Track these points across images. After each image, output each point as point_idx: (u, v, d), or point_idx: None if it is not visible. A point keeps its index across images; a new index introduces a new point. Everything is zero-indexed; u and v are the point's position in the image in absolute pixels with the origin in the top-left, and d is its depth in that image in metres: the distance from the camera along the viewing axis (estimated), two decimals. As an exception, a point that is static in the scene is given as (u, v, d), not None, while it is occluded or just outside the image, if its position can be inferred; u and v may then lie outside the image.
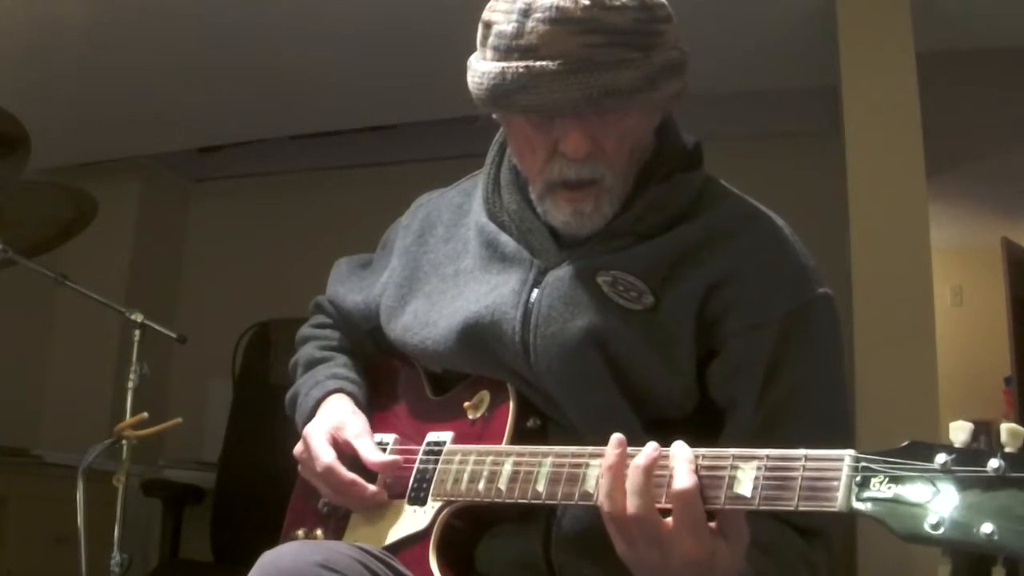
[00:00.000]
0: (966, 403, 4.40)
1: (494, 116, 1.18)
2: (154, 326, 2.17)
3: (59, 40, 2.99)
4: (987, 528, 0.74)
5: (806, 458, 0.86)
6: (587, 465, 0.99)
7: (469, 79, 1.13)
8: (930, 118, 2.52)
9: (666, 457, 0.92)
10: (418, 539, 1.11)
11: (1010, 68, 3.15)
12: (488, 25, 1.10)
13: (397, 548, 1.12)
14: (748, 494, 0.88)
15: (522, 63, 1.05)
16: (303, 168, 4.21)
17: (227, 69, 3.22)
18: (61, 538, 2.44)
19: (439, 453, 1.15)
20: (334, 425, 1.23)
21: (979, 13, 2.73)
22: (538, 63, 1.04)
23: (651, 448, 0.93)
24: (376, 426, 1.26)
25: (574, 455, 1.01)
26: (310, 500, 1.29)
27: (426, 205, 1.37)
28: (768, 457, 0.88)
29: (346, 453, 1.20)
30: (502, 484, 1.05)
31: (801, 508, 0.85)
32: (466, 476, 1.10)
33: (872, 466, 0.82)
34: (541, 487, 1.02)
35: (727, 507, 0.89)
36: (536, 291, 1.16)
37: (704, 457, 0.92)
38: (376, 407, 1.31)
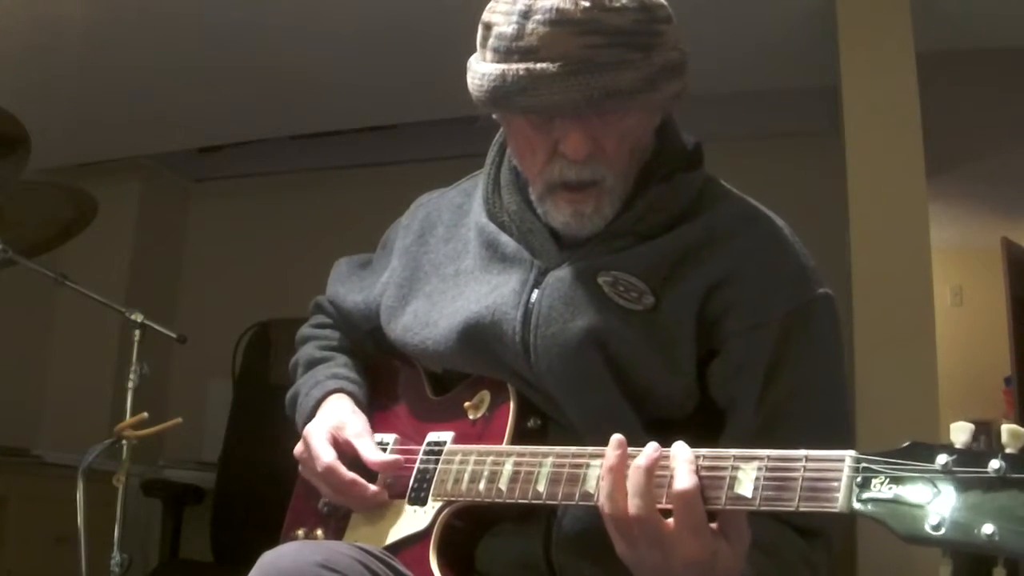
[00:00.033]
0: (966, 403, 4.40)
1: (494, 117, 1.18)
2: (154, 326, 2.17)
3: (59, 40, 2.99)
4: (988, 529, 0.74)
5: (807, 459, 0.86)
6: (588, 465, 0.99)
7: (469, 80, 1.13)
8: (930, 118, 2.52)
9: (667, 458, 0.92)
10: (418, 539, 1.11)
11: (1010, 68, 3.15)
12: (488, 26, 1.10)
13: (397, 548, 1.12)
14: (749, 494, 0.88)
15: (522, 65, 1.04)
16: (303, 168, 4.21)
17: (227, 69, 3.22)
18: (61, 538, 2.44)
19: (440, 453, 1.15)
20: (334, 425, 1.23)
21: (979, 13, 2.73)
22: (538, 65, 1.04)
23: (652, 449, 0.93)
24: (376, 426, 1.26)
25: (575, 455, 1.01)
26: (310, 500, 1.29)
27: (426, 205, 1.37)
28: (769, 458, 0.88)
29: (346, 453, 1.20)
30: (503, 484, 1.05)
31: (802, 509, 0.85)
32: (466, 476, 1.10)
33: (873, 467, 0.82)
34: (542, 487, 1.02)
35: (728, 507, 0.89)
36: (536, 291, 1.16)
37: (705, 458, 0.92)
38: (376, 407, 1.31)
